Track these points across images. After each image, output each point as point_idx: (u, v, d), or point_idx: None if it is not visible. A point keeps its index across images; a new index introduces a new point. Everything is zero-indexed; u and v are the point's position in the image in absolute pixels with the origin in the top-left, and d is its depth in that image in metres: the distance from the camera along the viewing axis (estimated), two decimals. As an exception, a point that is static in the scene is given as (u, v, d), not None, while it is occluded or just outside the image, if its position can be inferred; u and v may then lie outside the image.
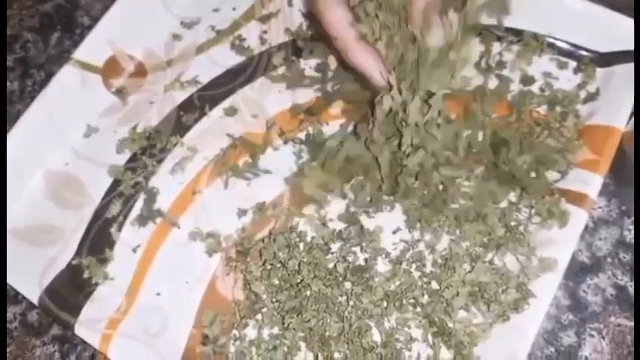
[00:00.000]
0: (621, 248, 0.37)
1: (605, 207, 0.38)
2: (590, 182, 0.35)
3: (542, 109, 0.40)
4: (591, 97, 0.39)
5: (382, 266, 0.36)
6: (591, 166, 0.36)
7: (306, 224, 0.37)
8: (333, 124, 0.40)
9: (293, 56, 0.43)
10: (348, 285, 0.35)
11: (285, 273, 0.34)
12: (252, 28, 0.45)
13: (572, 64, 0.41)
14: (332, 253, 0.36)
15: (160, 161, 0.41)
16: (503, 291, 0.34)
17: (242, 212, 0.38)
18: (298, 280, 0.34)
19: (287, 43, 0.44)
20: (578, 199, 0.35)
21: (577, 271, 0.36)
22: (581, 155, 0.37)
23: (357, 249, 0.36)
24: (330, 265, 0.35)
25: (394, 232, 0.37)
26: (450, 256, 0.35)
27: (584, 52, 0.41)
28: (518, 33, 0.42)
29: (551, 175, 0.37)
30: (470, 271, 0.34)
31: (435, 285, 0.35)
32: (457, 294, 0.34)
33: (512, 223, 0.36)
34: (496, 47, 0.42)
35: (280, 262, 0.35)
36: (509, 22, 0.42)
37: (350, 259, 0.36)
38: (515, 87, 0.40)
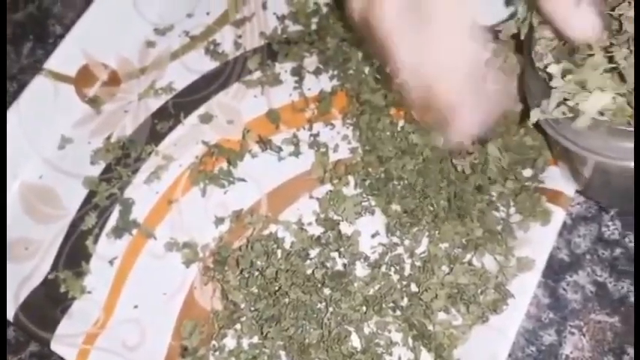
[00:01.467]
0: (600, 244, 0.37)
1: (583, 203, 0.38)
2: (566, 179, 0.35)
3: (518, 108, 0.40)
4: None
5: (361, 271, 0.36)
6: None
7: (285, 231, 0.37)
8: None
9: (268, 60, 0.43)
10: (327, 291, 0.35)
11: (264, 281, 0.34)
12: (227, 32, 0.44)
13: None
14: (310, 259, 0.36)
15: (135, 171, 0.40)
16: (482, 292, 0.34)
17: (219, 220, 0.38)
18: (276, 288, 0.34)
19: (262, 47, 0.43)
20: (554, 197, 0.35)
21: (556, 269, 0.36)
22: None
23: (336, 254, 0.36)
24: (309, 272, 0.35)
25: (373, 236, 0.37)
26: (429, 258, 0.35)
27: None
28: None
29: (528, 173, 0.37)
30: (448, 273, 0.34)
31: (414, 288, 0.35)
32: (436, 296, 0.34)
33: (492, 223, 0.36)
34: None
35: (258, 270, 0.35)
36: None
37: (329, 264, 0.36)
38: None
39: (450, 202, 0.35)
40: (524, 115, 0.37)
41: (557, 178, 0.36)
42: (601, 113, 0.30)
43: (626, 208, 0.37)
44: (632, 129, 0.28)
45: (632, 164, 0.29)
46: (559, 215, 0.35)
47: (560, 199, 0.35)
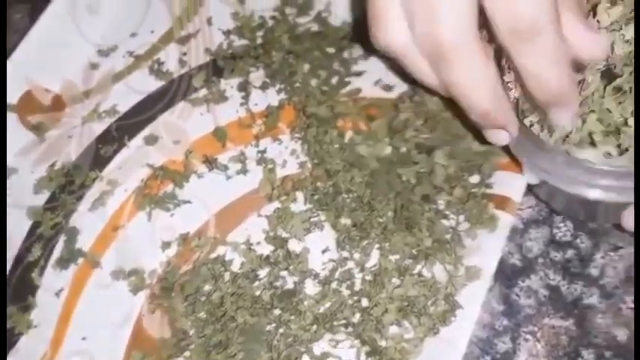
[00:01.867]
0: (552, 247, 0.37)
1: (535, 206, 0.37)
2: (514, 185, 0.35)
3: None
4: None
5: (311, 288, 0.35)
6: (515, 167, 0.36)
7: (233, 252, 0.37)
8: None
9: (214, 77, 0.42)
10: (277, 311, 0.35)
11: (211, 306, 0.34)
12: (171, 50, 0.44)
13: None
14: (259, 280, 0.35)
15: (79, 198, 0.40)
16: (433, 303, 0.34)
17: (166, 245, 0.37)
18: (223, 313, 0.33)
19: (207, 63, 0.43)
20: (501, 203, 0.35)
21: (509, 274, 0.36)
22: (505, 156, 0.37)
23: (286, 273, 0.36)
24: (257, 293, 0.34)
25: (323, 252, 0.37)
26: (379, 271, 0.35)
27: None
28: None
29: (476, 179, 0.36)
30: (399, 286, 0.34)
31: (365, 303, 0.35)
32: (386, 310, 0.33)
33: (441, 233, 0.35)
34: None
35: (205, 295, 0.34)
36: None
37: (278, 284, 0.35)
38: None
39: (397, 213, 0.35)
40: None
41: (504, 183, 0.36)
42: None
43: (579, 215, 0.37)
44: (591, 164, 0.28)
45: (583, 192, 0.30)
46: (506, 221, 0.34)
47: (508, 204, 0.35)
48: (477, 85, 0.29)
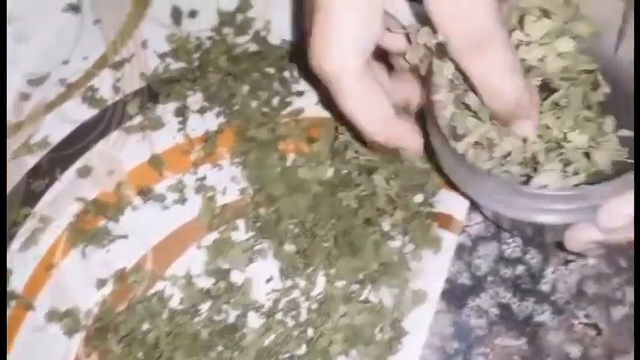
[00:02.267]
0: (501, 264, 0.36)
1: (482, 222, 0.37)
2: (457, 203, 0.34)
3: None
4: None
5: (255, 321, 0.34)
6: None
7: (173, 286, 0.35)
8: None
9: (149, 102, 0.40)
10: (220, 348, 0.33)
11: (147, 347, 0.32)
12: (105, 76, 0.42)
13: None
14: (199, 316, 0.34)
15: (11, 237, 0.37)
16: (380, 330, 0.33)
17: (101, 283, 0.36)
18: (160, 354, 0.32)
19: (142, 88, 0.41)
20: (445, 222, 0.34)
21: (458, 294, 0.35)
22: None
23: (228, 306, 0.34)
24: (197, 330, 0.33)
25: (267, 282, 0.35)
26: (325, 299, 0.34)
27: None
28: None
29: (420, 198, 0.36)
30: (344, 315, 0.33)
31: (311, 333, 0.34)
32: (331, 342, 0.32)
33: (386, 256, 0.34)
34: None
35: (141, 335, 0.33)
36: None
37: (220, 318, 0.34)
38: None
39: (337, 239, 0.34)
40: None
41: (447, 202, 0.35)
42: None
43: (527, 234, 0.36)
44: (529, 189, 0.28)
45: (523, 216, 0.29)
46: (451, 241, 0.34)
47: (452, 223, 0.34)
48: (365, 112, 0.30)
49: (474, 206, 0.37)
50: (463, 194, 0.35)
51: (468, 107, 0.31)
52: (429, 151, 0.35)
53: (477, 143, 0.31)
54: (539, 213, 0.28)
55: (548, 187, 0.29)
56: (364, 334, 0.32)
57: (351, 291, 0.34)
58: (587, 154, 0.30)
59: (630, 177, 0.27)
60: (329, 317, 0.33)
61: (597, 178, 0.29)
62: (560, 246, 0.32)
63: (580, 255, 0.35)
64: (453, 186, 0.36)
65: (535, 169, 0.30)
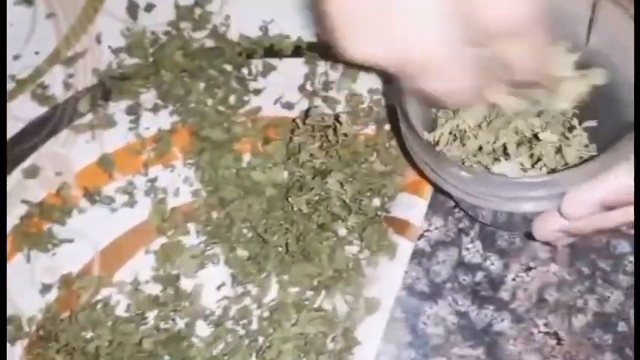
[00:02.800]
0: (461, 270, 0.35)
1: (442, 227, 0.36)
2: (414, 208, 0.33)
3: (371, 129, 0.38)
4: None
5: (204, 329, 0.33)
6: (416, 189, 0.34)
7: (119, 293, 0.34)
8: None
9: (101, 100, 0.39)
10: (167, 358, 0.32)
11: (88, 357, 0.31)
12: (57, 72, 0.40)
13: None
14: (146, 324, 0.33)
15: (-46, 241, 0.37)
16: (332, 340, 0.32)
17: (46, 288, 0.34)
18: (100, 364, 0.31)
19: (95, 85, 0.40)
20: (401, 227, 0.33)
21: (415, 302, 0.34)
22: (408, 177, 0.35)
23: (177, 314, 0.33)
24: (141, 339, 0.32)
25: (218, 289, 0.34)
26: (277, 306, 0.33)
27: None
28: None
29: (378, 202, 0.35)
30: (295, 323, 0.32)
31: (262, 342, 0.33)
32: (280, 352, 0.31)
33: (341, 262, 0.33)
34: (321, 66, 0.40)
35: (83, 344, 0.31)
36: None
37: (168, 326, 0.33)
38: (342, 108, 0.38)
39: (290, 244, 0.33)
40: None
41: (405, 207, 0.34)
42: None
43: (502, 227, 0.36)
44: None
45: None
46: (406, 248, 0.33)
47: (408, 229, 0.33)
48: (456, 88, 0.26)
49: (434, 210, 0.36)
50: (420, 199, 0.34)
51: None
52: (401, 144, 0.34)
53: (449, 134, 0.31)
54: (510, 202, 0.28)
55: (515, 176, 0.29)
56: (315, 343, 0.31)
57: (304, 298, 0.33)
58: (557, 149, 0.30)
59: (595, 165, 0.26)
60: (280, 326, 0.32)
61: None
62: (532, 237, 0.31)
63: (548, 244, 0.34)
64: (411, 189, 0.35)
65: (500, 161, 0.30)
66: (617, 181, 0.26)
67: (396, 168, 0.35)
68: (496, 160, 0.31)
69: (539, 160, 0.30)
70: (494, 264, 0.35)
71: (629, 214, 0.27)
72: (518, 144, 0.31)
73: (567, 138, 0.30)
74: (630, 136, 0.26)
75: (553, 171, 0.30)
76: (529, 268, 0.35)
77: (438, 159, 0.28)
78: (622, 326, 0.33)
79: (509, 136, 0.31)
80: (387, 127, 0.37)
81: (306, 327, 0.32)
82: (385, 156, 0.36)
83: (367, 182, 0.34)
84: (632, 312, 0.34)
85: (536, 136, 0.30)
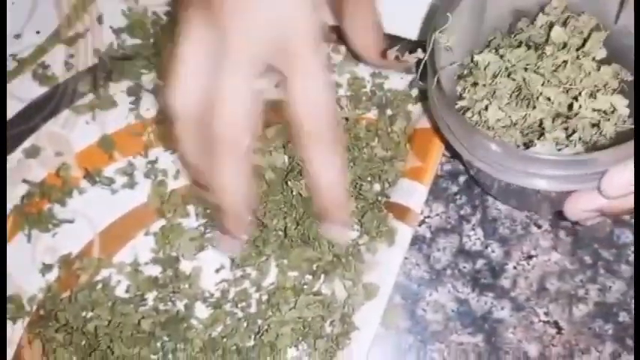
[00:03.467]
0: (461, 257, 0.35)
1: (442, 214, 0.36)
2: (414, 194, 0.33)
3: (373, 114, 0.37)
4: (419, 98, 0.37)
5: (203, 311, 0.33)
6: (417, 174, 0.34)
7: (119, 274, 0.35)
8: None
9: (102, 81, 0.39)
10: (165, 338, 0.32)
11: (89, 337, 0.31)
12: (58, 52, 0.40)
13: (406, 59, 0.39)
14: (145, 305, 0.33)
15: (-45, 219, 0.37)
16: (330, 324, 0.32)
17: (47, 268, 0.35)
18: (99, 344, 0.31)
19: (95, 65, 0.40)
20: (401, 213, 0.33)
21: (415, 288, 0.34)
22: (409, 163, 0.35)
23: (176, 296, 0.34)
24: (140, 320, 0.32)
25: (217, 271, 0.34)
26: (276, 290, 0.33)
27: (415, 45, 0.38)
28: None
29: (378, 187, 0.34)
30: (293, 307, 0.32)
31: (260, 325, 0.33)
32: (277, 335, 0.31)
33: (340, 247, 0.33)
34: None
35: (83, 324, 0.32)
36: (332, 20, 0.39)
37: (168, 307, 0.33)
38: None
39: (288, 229, 0.33)
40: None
41: (405, 192, 0.34)
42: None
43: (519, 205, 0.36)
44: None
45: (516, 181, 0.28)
46: (406, 234, 0.33)
47: (408, 215, 0.33)
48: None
49: (435, 197, 0.36)
50: (421, 185, 0.34)
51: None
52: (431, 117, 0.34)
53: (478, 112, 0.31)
54: (541, 179, 0.28)
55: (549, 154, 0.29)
56: (313, 327, 0.32)
57: (303, 282, 0.33)
58: (594, 124, 0.30)
59: (631, 145, 0.26)
60: (278, 309, 0.32)
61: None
62: (560, 215, 0.31)
63: (577, 224, 0.34)
64: (412, 175, 0.35)
65: (538, 137, 0.30)
66: None
67: (397, 154, 0.35)
68: (530, 134, 0.30)
69: (574, 132, 0.30)
70: (495, 252, 0.35)
71: None
72: (554, 118, 0.30)
73: (605, 112, 0.30)
74: None
75: (590, 149, 0.29)
76: (530, 257, 0.35)
77: (468, 130, 0.28)
78: (623, 316, 0.34)
79: (545, 110, 0.30)
80: (389, 111, 0.37)
81: (304, 311, 0.32)
82: (386, 141, 0.36)
83: (368, 167, 0.34)
84: (633, 302, 0.34)
85: (570, 107, 0.30)
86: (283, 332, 0.31)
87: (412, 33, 0.38)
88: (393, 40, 0.37)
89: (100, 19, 0.41)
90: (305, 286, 0.33)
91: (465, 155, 0.29)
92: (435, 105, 0.30)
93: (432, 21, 0.31)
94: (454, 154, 0.36)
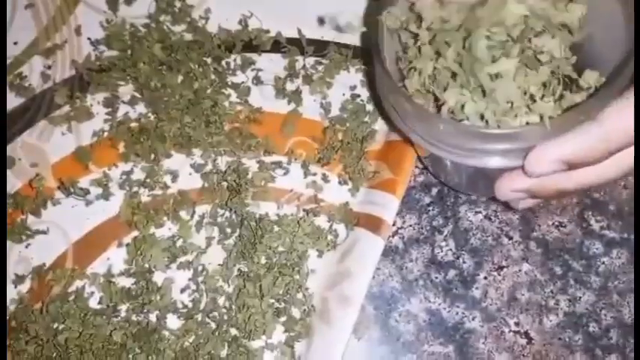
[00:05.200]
0: (433, 268, 0.36)
1: (415, 225, 0.37)
2: (387, 206, 0.34)
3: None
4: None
5: (175, 322, 0.34)
6: (389, 187, 0.35)
7: (92, 285, 0.35)
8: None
9: (78, 92, 0.40)
10: (138, 350, 0.33)
11: (59, 349, 0.32)
12: (35, 63, 0.41)
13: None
14: (117, 317, 0.34)
15: None
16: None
17: (19, 279, 0.35)
18: (71, 356, 0.31)
19: (73, 77, 0.40)
20: (374, 224, 0.34)
21: (388, 298, 0.35)
22: (382, 175, 0.35)
23: (148, 307, 0.34)
24: (111, 332, 0.33)
25: (189, 281, 0.35)
26: (239, 292, 0.34)
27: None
28: (323, 45, 0.40)
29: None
30: (263, 317, 0.33)
31: (234, 332, 0.33)
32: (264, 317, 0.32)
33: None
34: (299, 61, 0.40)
35: (53, 335, 0.32)
36: (311, 33, 0.40)
37: (140, 318, 0.34)
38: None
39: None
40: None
41: (378, 204, 0.35)
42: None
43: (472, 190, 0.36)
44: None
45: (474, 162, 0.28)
46: (378, 245, 0.33)
47: (380, 227, 0.34)
48: None
49: (408, 208, 0.37)
50: (393, 197, 0.34)
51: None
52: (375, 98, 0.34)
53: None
54: (480, 155, 0.27)
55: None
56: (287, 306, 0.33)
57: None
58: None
59: (560, 121, 0.26)
60: (246, 310, 0.33)
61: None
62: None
63: (507, 206, 0.34)
64: (387, 186, 0.36)
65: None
66: (581, 139, 0.25)
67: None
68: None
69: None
70: (467, 262, 0.36)
71: (590, 175, 0.27)
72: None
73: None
74: (598, 97, 0.26)
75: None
76: (501, 267, 0.36)
77: (414, 108, 0.27)
78: (593, 327, 0.34)
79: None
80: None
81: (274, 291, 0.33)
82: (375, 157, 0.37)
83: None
84: (603, 313, 0.35)
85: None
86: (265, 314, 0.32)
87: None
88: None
89: (78, 31, 0.42)
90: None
91: (415, 139, 0.29)
92: (383, 90, 0.30)
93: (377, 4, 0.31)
94: (425, 166, 0.37)
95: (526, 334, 0.34)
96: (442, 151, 0.28)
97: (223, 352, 0.33)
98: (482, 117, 0.29)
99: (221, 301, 0.34)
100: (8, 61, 0.41)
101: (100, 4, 0.42)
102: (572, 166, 0.26)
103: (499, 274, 0.35)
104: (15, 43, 0.42)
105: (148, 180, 0.37)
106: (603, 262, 0.35)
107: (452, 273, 0.35)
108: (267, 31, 0.41)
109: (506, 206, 0.34)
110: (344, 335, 0.32)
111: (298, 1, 0.40)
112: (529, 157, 0.26)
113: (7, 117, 0.40)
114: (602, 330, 0.34)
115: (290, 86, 0.40)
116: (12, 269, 0.36)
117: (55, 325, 0.33)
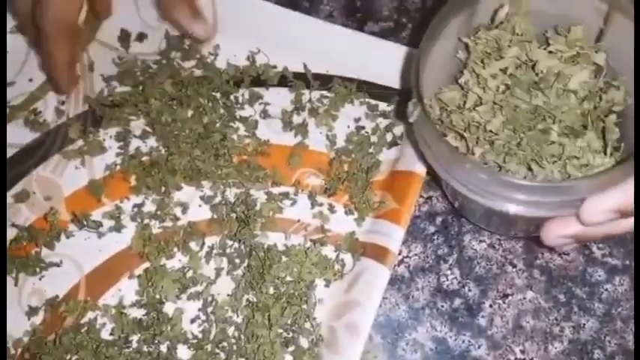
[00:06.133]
0: (439, 296, 0.36)
1: (421, 253, 0.37)
2: (393, 236, 0.35)
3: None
4: (395, 142, 0.39)
5: (185, 353, 0.35)
6: (394, 217, 0.36)
7: (104, 317, 0.36)
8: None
9: (92, 127, 0.41)
10: (148, 382, 0.34)
11: (71, 381, 0.32)
12: (50, 99, 0.43)
13: (383, 105, 0.41)
14: (128, 347, 0.34)
15: (-57, 263, 0.38)
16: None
17: (33, 311, 0.36)
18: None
19: (86, 112, 0.42)
20: (380, 254, 0.35)
21: (395, 327, 0.36)
22: (387, 205, 0.36)
23: (159, 338, 0.35)
24: (124, 363, 0.33)
25: (200, 311, 0.36)
26: (248, 322, 0.34)
27: (392, 92, 0.40)
28: (328, 79, 0.42)
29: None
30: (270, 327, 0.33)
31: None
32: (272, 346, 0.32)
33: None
34: (305, 95, 0.42)
35: (67, 367, 0.33)
36: (316, 67, 0.42)
37: (152, 349, 0.34)
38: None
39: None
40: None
41: (383, 235, 0.36)
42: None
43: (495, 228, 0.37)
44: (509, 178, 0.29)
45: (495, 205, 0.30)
46: (384, 275, 0.34)
47: (386, 257, 0.35)
48: None
49: (414, 237, 0.38)
50: (398, 227, 0.35)
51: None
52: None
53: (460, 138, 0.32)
54: (520, 204, 0.29)
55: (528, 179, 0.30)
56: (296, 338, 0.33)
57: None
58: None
59: (616, 173, 0.28)
60: (256, 340, 0.33)
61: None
62: (536, 240, 0.32)
63: (552, 250, 0.36)
64: (392, 216, 0.37)
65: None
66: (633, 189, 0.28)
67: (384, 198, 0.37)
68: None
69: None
70: (472, 290, 0.37)
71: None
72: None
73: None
74: None
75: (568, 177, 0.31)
76: (506, 295, 0.37)
77: (453, 156, 0.29)
78: (597, 354, 0.35)
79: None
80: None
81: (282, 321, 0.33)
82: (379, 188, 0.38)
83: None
84: (607, 339, 0.35)
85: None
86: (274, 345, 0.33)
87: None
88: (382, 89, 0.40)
89: (91, 67, 0.44)
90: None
91: (452, 182, 0.30)
92: (420, 133, 0.31)
93: (416, 52, 0.32)
94: (436, 185, 0.38)
95: (532, 362, 0.35)
96: (476, 195, 0.29)
97: (233, 382, 0.34)
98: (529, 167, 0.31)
99: (230, 331, 0.35)
100: (23, 98, 0.43)
101: (112, 42, 0.44)
102: (624, 214, 0.28)
103: (504, 302, 0.36)
104: (30, 80, 0.44)
105: (159, 212, 0.38)
106: (606, 289, 0.36)
107: (457, 301, 0.36)
108: (274, 67, 0.43)
109: (549, 249, 0.35)
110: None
111: (304, 37, 0.42)
112: (584, 207, 0.28)
113: (22, 151, 0.41)
114: (607, 357, 0.35)
115: (296, 119, 0.41)
116: (25, 301, 0.36)
117: (68, 357, 0.34)
